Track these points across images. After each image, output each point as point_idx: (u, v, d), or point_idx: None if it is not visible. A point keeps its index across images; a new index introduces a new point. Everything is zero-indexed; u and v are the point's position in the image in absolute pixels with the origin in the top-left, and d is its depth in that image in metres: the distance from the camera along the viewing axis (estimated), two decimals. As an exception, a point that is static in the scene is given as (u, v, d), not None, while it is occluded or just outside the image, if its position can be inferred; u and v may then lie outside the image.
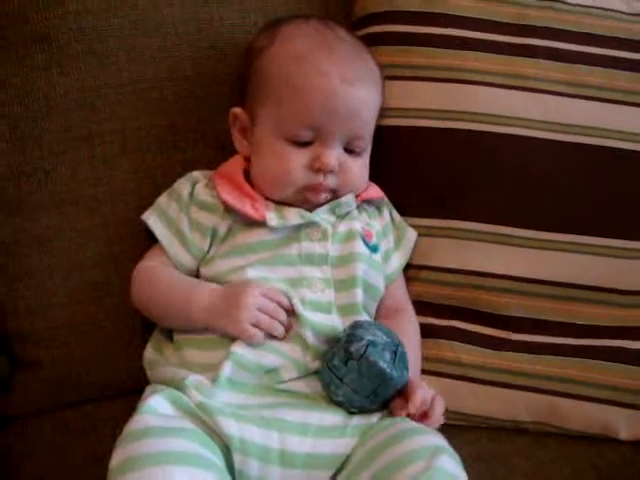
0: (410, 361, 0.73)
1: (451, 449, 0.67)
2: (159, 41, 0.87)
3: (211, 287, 0.75)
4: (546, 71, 0.85)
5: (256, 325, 0.71)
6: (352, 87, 0.75)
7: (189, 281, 0.77)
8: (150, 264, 0.79)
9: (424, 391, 0.71)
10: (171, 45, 0.87)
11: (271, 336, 0.72)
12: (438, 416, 0.71)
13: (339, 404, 0.72)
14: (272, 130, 0.77)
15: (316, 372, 0.73)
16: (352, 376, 0.70)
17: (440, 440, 0.68)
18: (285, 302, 0.73)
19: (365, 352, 0.69)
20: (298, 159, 0.76)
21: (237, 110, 0.81)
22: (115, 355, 0.85)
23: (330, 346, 0.72)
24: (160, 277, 0.78)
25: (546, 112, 0.84)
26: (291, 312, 0.74)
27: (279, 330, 0.72)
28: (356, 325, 0.72)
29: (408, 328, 0.81)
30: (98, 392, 0.85)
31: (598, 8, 0.88)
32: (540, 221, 0.83)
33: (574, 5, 0.88)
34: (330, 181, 0.77)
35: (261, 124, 0.78)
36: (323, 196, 0.78)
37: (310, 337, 0.73)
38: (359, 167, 0.79)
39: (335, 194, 0.78)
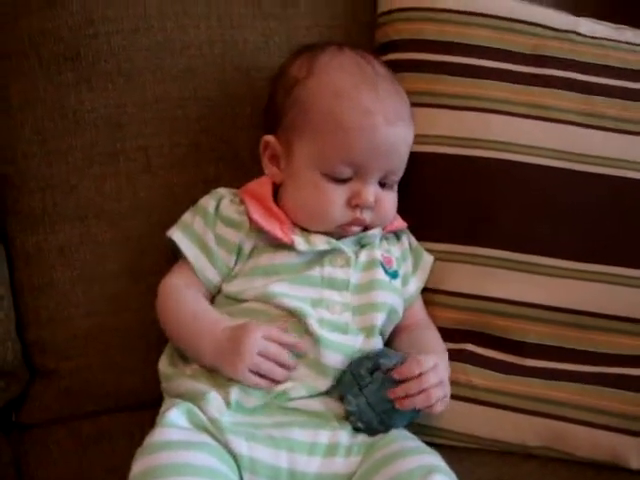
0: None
1: (447, 469, 0.68)
2: (185, 61, 0.89)
3: (223, 327, 0.74)
4: (563, 101, 0.86)
5: (256, 371, 0.71)
6: (394, 127, 0.76)
7: (208, 317, 0.76)
8: (177, 282, 0.79)
9: (416, 362, 0.70)
10: (196, 66, 0.89)
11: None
12: (432, 387, 0.70)
13: (348, 415, 0.73)
14: (310, 164, 0.77)
15: (326, 392, 0.74)
16: (373, 388, 0.71)
17: (436, 459, 0.69)
18: (289, 340, 0.73)
19: (394, 367, 0.71)
20: (337, 195, 0.77)
21: (270, 138, 0.81)
22: (131, 367, 0.86)
23: (358, 358, 0.73)
24: (182, 306, 0.77)
25: (563, 142, 0.86)
26: (299, 348, 0.73)
27: (281, 375, 0.71)
28: (389, 347, 0.73)
29: (428, 334, 0.82)
30: (114, 403, 0.86)
31: (612, 40, 0.90)
32: (557, 249, 0.84)
33: (590, 37, 0.90)
34: (366, 216, 0.78)
35: (298, 156, 0.79)
36: (358, 230, 0.79)
37: (325, 356, 0.73)
38: (391, 201, 0.81)
39: (369, 227, 0.80)
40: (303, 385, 0.73)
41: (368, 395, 0.71)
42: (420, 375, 0.70)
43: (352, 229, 0.79)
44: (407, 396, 0.70)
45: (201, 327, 0.75)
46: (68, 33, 0.86)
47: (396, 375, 0.71)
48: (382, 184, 0.79)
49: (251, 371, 0.71)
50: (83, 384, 0.85)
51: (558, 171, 0.85)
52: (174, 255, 0.82)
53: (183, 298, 0.78)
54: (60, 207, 0.86)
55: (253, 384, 0.71)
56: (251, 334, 0.71)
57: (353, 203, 0.77)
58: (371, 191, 0.77)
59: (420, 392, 0.70)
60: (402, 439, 0.71)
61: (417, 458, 0.67)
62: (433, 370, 0.71)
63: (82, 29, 0.86)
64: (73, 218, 0.87)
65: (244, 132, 0.88)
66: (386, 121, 0.76)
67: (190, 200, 0.84)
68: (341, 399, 0.74)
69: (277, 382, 0.72)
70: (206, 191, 0.85)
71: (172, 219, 0.84)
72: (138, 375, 0.85)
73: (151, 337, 0.84)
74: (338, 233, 0.79)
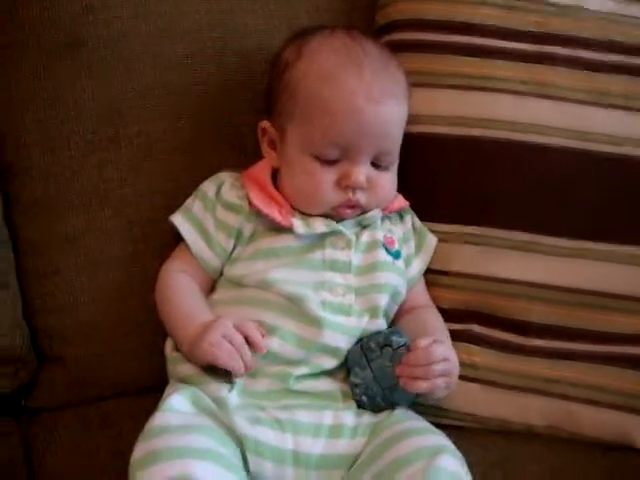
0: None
1: (453, 448, 0.68)
2: (185, 47, 0.89)
3: (198, 321, 0.74)
4: (567, 79, 0.85)
5: (217, 348, 0.70)
6: (379, 105, 0.75)
7: (187, 311, 0.76)
8: (175, 268, 0.80)
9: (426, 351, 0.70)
10: (197, 51, 0.89)
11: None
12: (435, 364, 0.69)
13: (353, 387, 0.73)
14: (300, 147, 0.78)
15: (331, 372, 0.74)
16: (381, 362, 0.72)
17: (442, 439, 0.69)
18: (255, 337, 0.71)
19: (404, 345, 0.72)
20: (327, 177, 0.77)
21: (266, 124, 0.81)
22: (137, 353, 0.87)
23: (370, 334, 0.73)
24: (169, 296, 0.78)
25: (568, 120, 0.85)
26: (259, 349, 0.71)
27: (237, 363, 0.69)
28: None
29: (431, 317, 0.82)
30: (120, 388, 0.87)
31: (617, 15, 0.88)
32: (562, 228, 0.83)
33: (595, 12, 0.89)
34: (360, 197, 0.77)
35: (290, 140, 0.79)
36: (355, 211, 0.79)
37: (329, 337, 0.74)
38: (388, 181, 0.80)
39: (365, 209, 0.79)
40: (308, 365, 0.74)
41: (375, 369, 0.72)
42: (429, 364, 0.70)
43: (347, 211, 0.78)
44: (412, 378, 0.70)
45: (178, 320, 0.76)
46: (68, 21, 0.86)
47: (405, 361, 0.71)
48: (377, 165, 0.79)
49: (213, 346, 0.70)
50: (90, 370, 0.86)
51: (561, 149, 0.84)
52: (178, 240, 0.83)
53: (174, 288, 0.79)
54: (63, 195, 0.87)
55: (212, 357, 0.69)
56: (222, 320, 0.72)
57: (343, 184, 0.77)
58: (361, 172, 0.76)
59: (425, 378, 0.70)
60: (408, 419, 0.71)
61: (424, 438, 0.68)
62: (443, 361, 0.71)
63: (82, 16, 0.86)
64: (77, 205, 0.87)
65: (246, 116, 0.88)
66: (371, 101, 0.75)
67: (194, 185, 0.85)
68: (348, 373, 0.74)
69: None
70: (210, 176, 0.85)
71: (175, 204, 0.84)
72: (144, 360, 0.86)
73: (156, 322, 0.84)
74: (335, 216, 0.79)
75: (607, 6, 0.89)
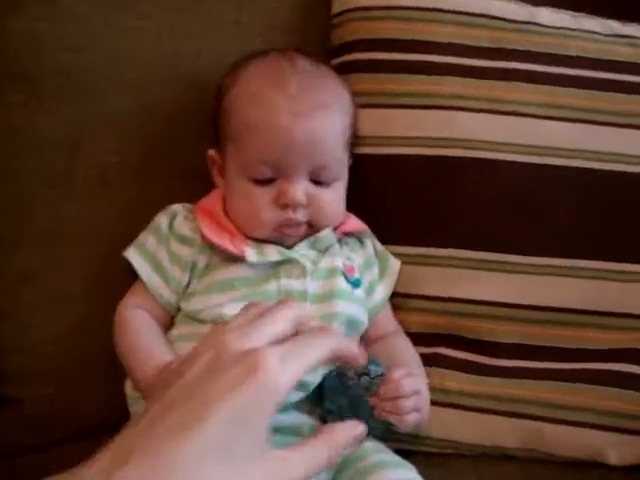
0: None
1: None
2: (137, 76, 0.87)
3: (155, 366, 0.71)
4: (524, 94, 0.85)
5: None
6: (305, 119, 0.74)
7: (144, 352, 0.75)
8: (132, 305, 0.79)
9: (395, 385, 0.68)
10: (149, 79, 0.87)
11: None
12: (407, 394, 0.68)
13: (327, 413, 0.72)
14: (237, 171, 0.77)
15: (295, 404, 0.72)
16: (357, 391, 0.70)
17: (411, 473, 0.67)
18: None
19: (381, 374, 0.70)
20: (264, 197, 0.75)
21: (211, 152, 0.81)
22: (98, 392, 0.84)
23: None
24: (125, 334, 0.77)
25: (528, 136, 0.84)
26: None
27: None
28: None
29: (401, 344, 0.81)
30: (82, 430, 0.83)
31: (574, 30, 0.88)
32: (525, 245, 0.82)
33: (550, 27, 0.88)
34: (300, 215, 0.76)
35: (229, 165, 0.79)
36: (299, 230, 0.77)
37: None
38: (331, 198, 0.78)
39: (312, 227, 0.78)
40: None
41: (351, 396, 0.70)
42: (399, 398, 0.68)
43: (290, 230, 0.77)
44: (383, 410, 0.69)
45: (137, 360, 0.74)
46: (14, 51, 0.84)
47: (379, 393, 0.69)
48: (317, 182, 0.77)
49: None
50: (49, 412, 0.83)
51: (525, 166, 0.83)
52: (136, 275, 0.81)
53: (130, 326, 0.77)
54: (17, 231, 0.84)
55: None
56: None
57: (281, 202, 0.75)
58: (297, 188, 0.75)
59: (395, 412, 0.69)
60: (376, 452, 0.70)
61: (392, 472, 0.66)
62: (414, 395, 0.69)
63: (26, 47, 0.84)
64: (31, 242, 0.84)
65: (199, 144, 0.86)
66: (296, 116, 0.74)
67: (149, 215, 0.83)
68: (316, 403, 0.73)
69: None
70: (166, 206, 0.83)
71: (132, 237, 0.82)
72: (105, 400, 0.83)
73: (117, 360, 0.82)
74: (285, 237, 0.77)
75: (562, 21, 0.89)
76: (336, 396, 0.71)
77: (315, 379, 0.72)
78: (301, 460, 0.49)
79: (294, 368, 0.49)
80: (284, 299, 0.55)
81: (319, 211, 0.77)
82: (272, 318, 0.52)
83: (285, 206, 0.75)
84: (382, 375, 0.70)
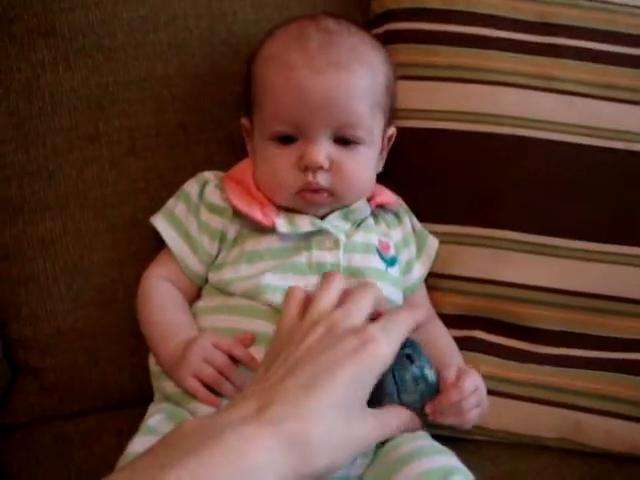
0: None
1: (465, 470, 0.63)
2: (169, 37, 0.84)
3: (179, 339, 0.70)
4: (573, 72, 0.82)
5: (200, 378, 0.67)
6: (323, 74, 0.70)
7: (168, 326, 0.73)
8: (158, 275, 0.76)
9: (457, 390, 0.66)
10: (182, 41, 0.84)
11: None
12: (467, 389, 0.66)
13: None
14: (260, 134, 0.74)
15: None
16: (414, 397, 0.65)
17: (452, 460, 0.65)
18: (239, 353, 0.68)
19: (437, 381, 0.66)
20: (284, 159, 0.72)
21: (243, 120, 0.79)
22: (120, 363, 0.81)
23: (401, 357, 0.66)
24: (149, 307, 0.74)
25: (573, 114, 0.81)
26: (248, 363, 0.68)
27: (225, 387, 0.67)
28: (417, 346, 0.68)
29: (440, 333, 0.79)
30: (102, 401, 0.81)
31: (623, 5, 0.85)
32: (571, 229, 0.79)
33: (599, 2, 0.85)
34: (321, 179, 0.72)
35: (255, 130, 0.76)
36: (321, 197, 0.73)
37: None
38: (355, 162, 0.73)
39: (336, 196, 0.74)
40: None
41: (407, 402, 0.65)
42: (462, 401, 0.66)
43: (311, 196, 0.73)
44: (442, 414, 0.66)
45: (159, 334, 0.72)
46: (42, 7, 0.80)
47: (438, 400, 0.65)
48: (342, 142, 0.73)
49: (196, 377, 0.67)
50: (69, 382, 0.80)
51: (570, 146, 0.80)
52: (162, 243, 0.78)
53: (154, 299, 0.75)
54: (39, 195, 0.81)
55: (193, 391, 0.67)
56: (200, 341, 0.68)
57: (302, 165, 0.71)
58: (319, 150, 0.71)
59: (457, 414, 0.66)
60: (415, 439, 0.67)
61: (433, 459, 0.63)
62: (474, 393, 0.67)
63: (57, 2, 0.81)
64: (54, 207, 0.81)
65: (233, 111, 0.83)
66: (313, 71, 0.70)
67: (179, 184, 0.80)
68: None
69: (219, 394, 0.67)
70: (195, 174, 0.80)
71: (159, 205, 0.79)
72: (128, 371, 0.81)
73: (139, 331, 0.79)
74: (307, 204, 0.73)
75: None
76: (390, 399, 0.65)
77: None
78: (390, 420, 0.62)
79: (393, 342, 0.61)
80: (365, 282, 0.68)
81: (341, 177, 0.72)
82: (362, 299, 0.64)
83: (305, 168, 0.71)
84: (437, 381, 0.66)
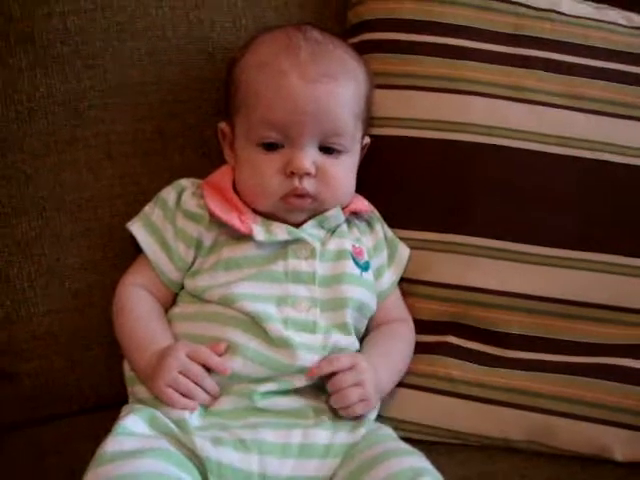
0: (388, 364, 0.75)
1: (433, 471, 0.65)
2: (147, 44, 0.84)
3: (153, 350, 0.71)
4: (543, 83, 0.83)
5: (175, 389, 0.68)
6: (315, 84, 0.72)
7: (144, 336, 0.73)
8: (129, 282, 0.77)
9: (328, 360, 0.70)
10: (159, 49, 0.85)
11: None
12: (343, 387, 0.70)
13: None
14: (245, 139, 0.75)
15: (298, 390, 0.71)
16: None
17: (421, 461, 0.66)
18: (213, 362, 0.69)
19: None
20: (270, 165, 0.73)
21: (222, 124, 0.79)
22: (96, 367, 0.82)
23: None
24: (125, 316, 0.75)
25: (543, 124, 0.83)
26: (222, 372, 0.69)
27: (200, 396, 0.68)
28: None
29: (398, 333, 0.80)
30: (77, 405, 0.82)
31: (596, 20, 0.87)
32: (540, 236, 0.81)
33: (571, 16, 0.87)
34: (307, 185, 0.73)
35: (237, 135, 0.77)
36: (305, 202, 0.74)
37: (293, 357, 0.70)
38: (340, 169, 0.75)
39: (319, 202, 0.75)
40: (275, 382, 0.70)
41: None
42: (335, 374, 0.69)
43: (296, 201, 0.74)
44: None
45: (134, 344, 0.73)
46: (20, 13, 0.81)
47: (310, 373, 0.69)
48: (327, 150, 0.75)
49: (170, 388, 0.68)
50: (44, 386, 0.81)
51: (540, 155, 0.82)
52: (138, 248, 0.78)
53: (129, 308, 0.75)
54: (16, 199, 0.82)
55: (168, 401, 0.67)
56: (174, 352, 0.69)
57: (288, 171, 0.73)
58: (306, 156, 0.73)
59: (336, 391, 0.70)
60: (385, 440, 0.68)
61: (402, 460, 0.64)
62: (350, 371, 0.70)
63: (35, 9, 0.81)
64: (30, 210, 0.82)
65: (210, 118, 0.84)
66: (304, 79, 0.72)
67: (155, 189, 0.81)
68: (321, 389, 0.72)
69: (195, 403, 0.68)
70: (172, 180, 0.81)
71: (136, 210, 0.80)
72: (103, 375, 0.82)
73: (115, 336, 0.80)
74: (291, 209, 0.75)
75: (584, 11, 0.88)
76: None
77: (313, 364, 0.71)
78: None
79: None
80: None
81: (327, 183, 0.74)
82: None
83: (292, 174, 0.73)
84: None
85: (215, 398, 0.69)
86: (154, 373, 0.69)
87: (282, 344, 0.70)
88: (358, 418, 0.71)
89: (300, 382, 0.70)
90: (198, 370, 0.68)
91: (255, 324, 0.71)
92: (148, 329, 0.74)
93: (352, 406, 0.70)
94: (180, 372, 0.68)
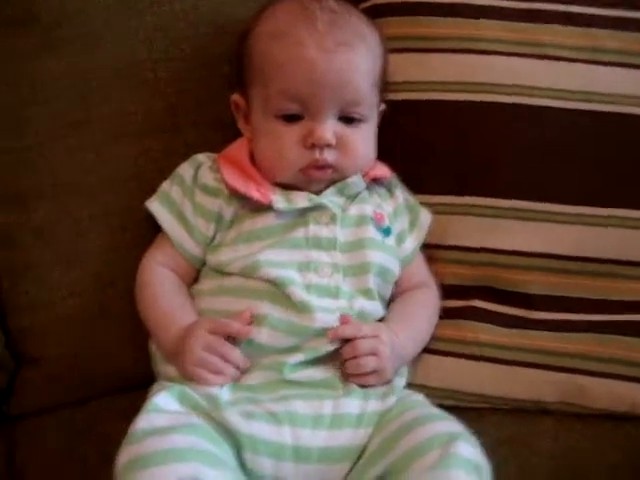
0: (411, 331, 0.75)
1: (468, 434, 0.65)
2: (153, 19, 0.83)
3: (176, 329, 0.71)
4: (562, 37, 0.82)
5: (204, 367, 0.67)
6: (333, 53, 0.71)
7: (167, 315, 0.73)
8: (151, 261, 0.76)
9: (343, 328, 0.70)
10: (166, 23, 0.83)
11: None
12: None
13: None
14: (263, 110, 0.74)
15: (326, 358, 0.70)
16: None
17: (456, 426, 0.66)
18: (236, 329, 0.68)
19: None
20: (290, 136, 0.73)
21: (235, 96, 0.78)
22: (120, 348, 0.81)
23: None
24: (148, 296, 0.75)
25: (564, 80, 0.81)
26: (242, 335, 0.69)
27: (229, 371, 0.68)
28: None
29: (421, 299, 0.79)
30: (104, 387, 0.82)
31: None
32: (563, 194, 0.79)
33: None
34: (328, 156, 0.73)
35: (254, 106, 0.76)
36: (325, 173, 0.74)
37: (317, 321, 0.69)
38: (360, 139, 0.75)
39: (339, 171, 0.74)
40: (302, 351, 0.70)
41: None
42: (353, 340, 0.69)
43: (316, 173, 0.74)
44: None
45: (158, 324, 0.73)
46: (22, -5, 0.80)
47: (331, 334, 0.69)
48: (347, 120, 0.74)
49: (199, 367, 0.68)
50: (71, 370, 0.81)
51: (559, 111, 0.80)
52: (157, 227, 0.78)
53: (152, 286, 0.75)
54: (31, 184, 0.81)
55: (199, 381, 0.67)
56: (196, 330, 0.69)
57: (308, 143, 0.72)
58: (326, 128, 0.72)
59: (352, 358, 0.69)
60: (417, 406, 0.68)
61: (436, 425, 0.64)
62: (370, 339, 0.70)
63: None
64: (46, 196, 0.81)
65: (222, 92, 0.82)
66: (322, 49, 0.71)
67: (170, 167, 0.80)
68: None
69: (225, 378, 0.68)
70: (187, 156, 0.80)
71: (153, 188, 0.79)
72: (129, 356, 0.81)
73: (138, 315, 0.79)
74: (311, 181, 0.74)
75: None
76: None
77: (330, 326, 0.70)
78: None
79: None
80: None
81: (347, 153, 0.74)
82: None
83: (312, 146, 0.72)
84: None
85: (245, 371, 0.69)
86: (180, 354, 0.69)
87: (304, 308, 0.70)
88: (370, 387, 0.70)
89: (325, 347, 0.70)
90: (223, 344, 0.68)
91: (278, 293, 0.70)
92: (171, 306, 0.74)
93: (365, 375, 0.70)
94: (205, 349, 0.68)
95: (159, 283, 0.75)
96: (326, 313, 0.70)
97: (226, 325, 0.69)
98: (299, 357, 0.69)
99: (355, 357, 0.69)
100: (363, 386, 0.70)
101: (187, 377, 0.68)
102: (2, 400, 0.81)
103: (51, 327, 0.81)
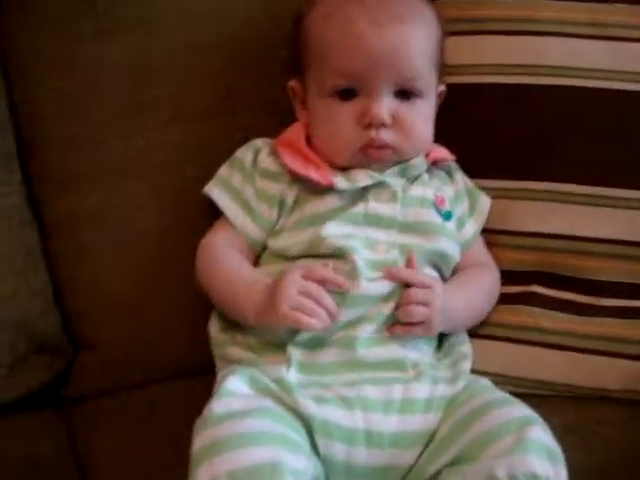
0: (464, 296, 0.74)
1: (539, 419, 0.64)
2: (211, 5, 0.83)
3: (262, 286, 0.69)
4: (626, 17, 0.80)
5: (299, 309, 0.66)
6: (384, 27, 0.70)
7: (246, 279, 0.72)
8: (217, 241, 0.76)
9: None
10: (224, 9, 0.83)
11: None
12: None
13: None
14: (318, 92, 0.74)
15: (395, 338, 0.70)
16: None
17: (529, 410, 0.65)
18: (332, 277, 0.67)
19: None
20: (346, 115, 0.72)
21: (292, 83, 0.78)
22: (177, 332, 0.81)
23: None
24: (220, 267, 0.74)
25: (622, 61, 0.79)
26: (340, 286, 0.68)
27: (323, 316, 0.66)
28: None
29: (480, 273, 0.78)
30: (162, 372, 0.81)
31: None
32: (627, 179, 0.78)
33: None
34: (385, 136, 0.72)
35: (310, 91, 0.75)
36: (385, 153, 0.73)
37: (375, 290, 0.69)
38: (417, 116, 0.73)
39: (398, 152, 0.73)
40: (370, 321, 0.69)
41: None
42: (408, 288, 0.69)
43: (375, 152, 0.73)
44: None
45: (238, 290, 0.71)
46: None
47: (387, 274, 0.69)
48: (404, 95, 0.73)
49: (295, 309, 0.66)
50: (128, 353, 0.81)
51: (622, 94, 0.79)
52: (213, 211, 0.77)
53: (221, 259, 0.74)
54: (87, 168, 0.81)
55: (296, 322, 0.65)
56: (291, 275, 0.67)
57: (365, 122, 0.71)
58: (382, 106, 0.71)
59: (403, 304, 0.68)
60: (485, 391, 0.67)
61: (509, 410, 0.63)
62: (424, 289, 0.69)
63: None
64: (102, 178, 0.81)
65: (279, 77, 0.81)
66: (374, 25, 0.70)
67: (226, 151, 0.79)
68: None
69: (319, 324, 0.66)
70: (242, 141, 0.80)
71: (208, 172, 0.79)
72: (185, 340, 0.81)
73: (196, 299, 0.78)
74: (371, 161, 0.73)
75: None
76: None
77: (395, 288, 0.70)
78: None
79: None
80: None
81: (404, 131, 0.72)
82: None
83: (369, 125, 0.71)
84: None
85: (334, 320, 0.67)
86: (272, 302, 0.66)
87: (364, 278, 0.69)
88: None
89: (388, 308, 0.69)
90: (318, 289, 0.66)
91: (340, 266, 0.69)
92: (251, 270, 0.73)
93: (413, 325, 0.69)
94: (301, 293, 0.66)
95: (230, 256, 0.74)
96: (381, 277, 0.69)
97: (321, 271, 0.67)
98: (368, 328, 0.69)
99: (407, 304, 0.68)
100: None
101: (280, 322, 0.66)
102: (60, 383, 0.81)
103: (107, 311, 0.81)
